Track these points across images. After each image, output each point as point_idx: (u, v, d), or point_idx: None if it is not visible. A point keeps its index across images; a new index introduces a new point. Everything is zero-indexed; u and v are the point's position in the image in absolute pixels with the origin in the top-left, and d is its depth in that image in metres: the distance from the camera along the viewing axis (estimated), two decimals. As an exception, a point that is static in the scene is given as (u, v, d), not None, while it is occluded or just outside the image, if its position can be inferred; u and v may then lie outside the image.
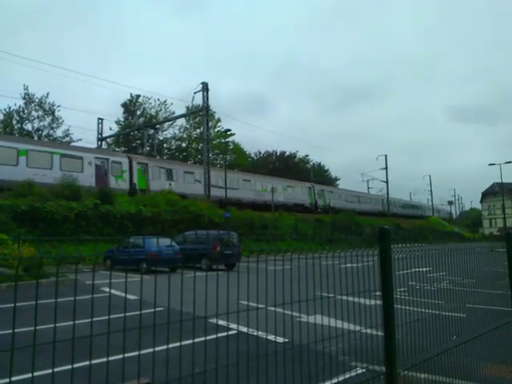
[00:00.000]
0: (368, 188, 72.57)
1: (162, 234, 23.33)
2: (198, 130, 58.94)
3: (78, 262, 2.04)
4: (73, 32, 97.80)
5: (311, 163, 76.23)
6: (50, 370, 1.82)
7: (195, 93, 38.41)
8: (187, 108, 51.78)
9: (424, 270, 4.01)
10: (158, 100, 59.61)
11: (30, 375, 1.71)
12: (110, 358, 1.94)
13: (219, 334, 2.84)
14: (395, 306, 3.10)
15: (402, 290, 3.66)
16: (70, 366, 1.77)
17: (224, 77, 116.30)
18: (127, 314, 2.03)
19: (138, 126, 50.38)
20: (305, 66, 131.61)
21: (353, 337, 3.13)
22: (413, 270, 3.72)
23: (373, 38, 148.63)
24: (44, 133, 48.77)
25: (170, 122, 58.93)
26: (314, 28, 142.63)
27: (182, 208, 28.90)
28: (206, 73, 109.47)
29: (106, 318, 1.93)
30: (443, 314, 4.02)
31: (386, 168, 62.91)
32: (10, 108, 47.33)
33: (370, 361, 3.41)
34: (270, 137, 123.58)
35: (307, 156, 76.30)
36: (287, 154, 72.89)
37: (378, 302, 3.05)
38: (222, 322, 3.24)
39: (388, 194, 63.18)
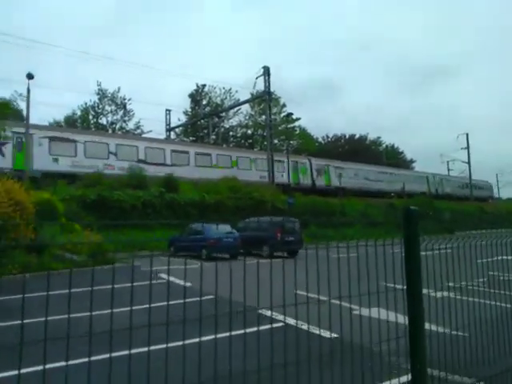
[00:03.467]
0: (448, 170, 67.18)
1: (224, 220, 23.14)
2: (264, 117, 58.41)
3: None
4: (143, 28, 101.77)
5: (384, 145, 72.46)
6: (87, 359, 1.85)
7: (257, 78, 37.87)
8: (251, 95, 51.42)
9: (510, 258, 3.58)
10: (223, 88, 60.06)
11: (86, 359, 1.81)
12: (153, 348, 1.94)
13: (262, 327, 2.48)
14: (470, 298, 2.93)
15: (481, 280, 3.36)
16: (98, 357, 1.94)
17: (294, 63, 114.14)
18: (176, 302, 2.13)
19: (202, 115, 51.11)
20: (378, 46, 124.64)
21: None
22: (495, 258, 3.37)
23: (454, 8, 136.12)
24: (117, 126, 51.37)
25: (235, 110, 59.13)
26: (388, 7, 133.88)
27: (245, 195, 28.58)
28: (274, 60, 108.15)
29: (155, 305, 1.99)
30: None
31: (468, 147, 57.65)
32: (86, 104, 50.46)
33: (428, 365, 2.86)
34: (342, 121, 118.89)
35: (379, 138, 72.67)
36: (357, 136, 69.90)
37: (451, 295, 2.88)
38: (269, 313, 3.09)
39: (470, 175, 58.03)
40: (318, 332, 2.70)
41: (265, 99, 39.47)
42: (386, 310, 2.67)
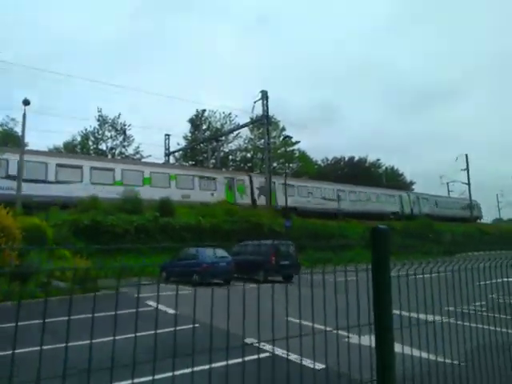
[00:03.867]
0: (448, 191, 66.90)
1: (218, 244, 22.81)
2: (263, 141, 58.78)
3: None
4: (145, 55, 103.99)
5: (383, 167, 72.49)
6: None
7: (255, 102, 38.26)
8: (251, 119, 51.97)
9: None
10: (223, 113, 60.64)
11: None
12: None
13: (231, 361, 2.25)
14: (473, 324, 2.80)
15: (480, 303, 3.22)
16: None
17: (294, 88, 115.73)
18: (161, 330, 2.03)
19: (202, 139, 51.43)
20: (378, 70, 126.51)
21: (412, 365, 2.54)
22: (499, 280, 3.26)
23: (452, 34, 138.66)
24: (117, 151, 51.68)
25: (235, 134, 59.59)
26: (387, 31, 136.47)
27: (241, 218, 28.34)
28: (275, 85, 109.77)
29: (140, 334, 1.91)
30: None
31: (468, 168, 57.56)
32: (86, 130, 50.94)
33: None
34: (343, 144, 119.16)
35: (379, 160, 72.76)
36: (356, 159, 70.01)
37: (451, 320, 2.70)
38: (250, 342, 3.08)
39: (470, 196, 57.70)
40: (303, 363, 2.54)
41: (263, 123, 39.75)
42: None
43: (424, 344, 2.62)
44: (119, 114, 51.82)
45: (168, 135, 48.17)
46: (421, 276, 2.65)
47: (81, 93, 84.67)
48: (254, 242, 20.89)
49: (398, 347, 2.58)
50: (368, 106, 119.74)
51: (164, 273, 20.02)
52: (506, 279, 3.32)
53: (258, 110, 40.32)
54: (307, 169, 61.99)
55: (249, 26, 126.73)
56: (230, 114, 60.07)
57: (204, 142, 50.66)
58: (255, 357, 2.51)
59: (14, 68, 56.75)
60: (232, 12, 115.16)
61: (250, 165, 62.85)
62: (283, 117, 71.40)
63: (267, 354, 3.42)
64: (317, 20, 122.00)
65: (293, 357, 5.56)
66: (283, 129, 61.12)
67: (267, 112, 37.93)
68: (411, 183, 75.61)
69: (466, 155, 58.09)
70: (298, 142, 61.99)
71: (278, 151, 58.37)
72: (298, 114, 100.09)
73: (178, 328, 2.05)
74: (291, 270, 18.67)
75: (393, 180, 67.44)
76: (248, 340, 2.29)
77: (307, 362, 2.88)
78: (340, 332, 2.37)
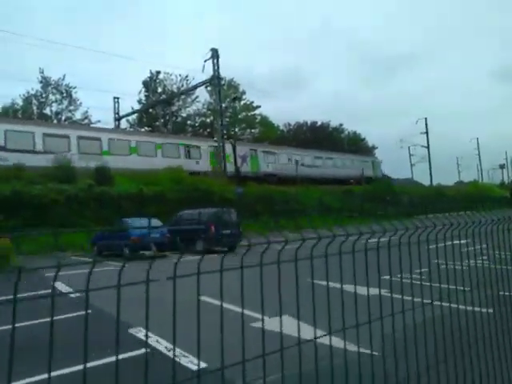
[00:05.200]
0: (410, 155, 66.84)
1: (158, 214, 21.02)
2: (223, 104, 56.11)
3: None
4: (101, 17, 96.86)
5: (346, 132, 71.60)
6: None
7: (205, 61, 35.73)
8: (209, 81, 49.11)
9: (462, 242, 3.09)
10: (180, 76, 57.15)
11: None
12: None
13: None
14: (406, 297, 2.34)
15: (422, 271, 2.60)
16: None
17: (258, 54, 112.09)
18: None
19: (154, 102, 48.44)
20: (341, 35, 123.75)
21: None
22: (448, 243, 2.79)
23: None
24: (63, 116, 47.97)
25: (193, 98, 56.61)
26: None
27: (189, 185, 26.53)
28: (238, 52, 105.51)
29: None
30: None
31: (427, 132, 57.42)
32: (28, 93, 46.79)
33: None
34: (308, 110, 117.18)
35: (341, 125, 71.65)
36: (319, 124, 68.62)
37: (383, 292, 2.12)
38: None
39: (430, 159, 57.86)
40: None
41: (214, 84, 37.46)
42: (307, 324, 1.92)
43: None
44: (64, 76, 47.78)
45: (117, 98, 44.94)
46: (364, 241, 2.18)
47: (21, 53, 77.72)
48: (194, 210, 19.24)
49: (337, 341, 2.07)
50: (332, 72, 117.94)
51: (95, 247, 18.34)
52: (457, 242, 3.02)
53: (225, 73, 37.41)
54: (269, 134, 60.19)
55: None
56: (186, 76, 56.64)
57: (156, 104, 47.69)
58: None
59: None
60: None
61: (209, 130, 60.36)
62: (247, 82, 68.62)
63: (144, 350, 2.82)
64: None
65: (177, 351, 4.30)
66: (243, 92, 58.59)
67: (218, 72, 35.62)
68: (373, 147, 75.39)
69: (426, 119, 57.88)
70: (258, 107, 59.96)
71: (239, 116, 56.05)
72: (263, 81, 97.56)
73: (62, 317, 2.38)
74: (232, 240, 17.32)
75: (355, 145, 66.84)
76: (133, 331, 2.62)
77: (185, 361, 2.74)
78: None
